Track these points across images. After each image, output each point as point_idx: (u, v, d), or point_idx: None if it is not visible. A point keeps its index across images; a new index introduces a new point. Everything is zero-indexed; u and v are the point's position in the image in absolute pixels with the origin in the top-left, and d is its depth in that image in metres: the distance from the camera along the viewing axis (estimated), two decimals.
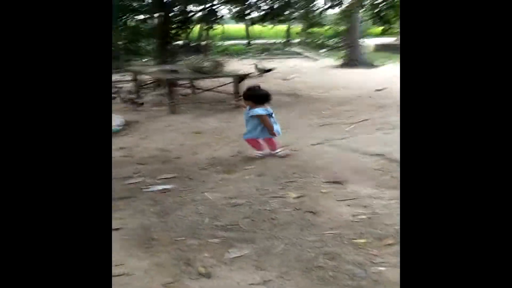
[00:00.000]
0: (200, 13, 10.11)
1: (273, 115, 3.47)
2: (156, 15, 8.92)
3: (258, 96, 3.47)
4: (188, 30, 11.13)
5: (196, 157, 3.54)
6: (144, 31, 10.90)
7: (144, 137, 4.15)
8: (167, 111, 5.36)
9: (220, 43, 18.77)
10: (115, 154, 3.58)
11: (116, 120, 4.48)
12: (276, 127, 3.46)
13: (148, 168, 3.22)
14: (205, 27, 13.08)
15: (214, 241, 2.14)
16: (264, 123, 3.38)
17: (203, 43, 17.01)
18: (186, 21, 9.95)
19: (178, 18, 9.66)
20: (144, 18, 10.68)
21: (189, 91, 6.87)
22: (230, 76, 6.04)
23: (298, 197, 2.67)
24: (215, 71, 5.78)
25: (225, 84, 6.29)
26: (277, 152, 3.50)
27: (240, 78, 5.86)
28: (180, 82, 6.34)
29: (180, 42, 11.24)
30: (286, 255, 2.00)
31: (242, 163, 3.36)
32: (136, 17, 10.70)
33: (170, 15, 8.88)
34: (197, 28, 15.00)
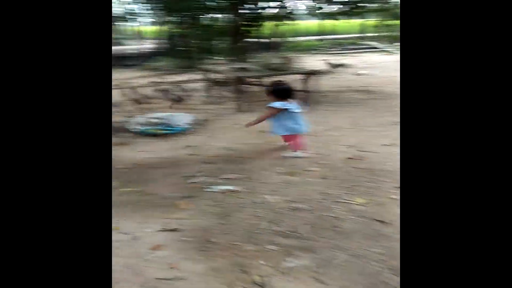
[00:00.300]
0: (272, 10, 10.12)
1: (294, 111, 3.40)
2: (228, 12, 9.01)
3: (277, 91, 3.46)
4: (260, 27, 11.16)
5: (259, 157, 3.47)
6: (217, 29, 11.14)
7: (211, 136, 4.19)
8: (234, 110, 5.37)
9: (292, 39, 18.65)
10: (182, 152, 3.64)
11: (185, 119, 4.57)
12: (292, 125, 3.40)
13: (211, 167, 3.22)
14: (277, 24, 13.11)
15: (272, 248, 2.05)
16: (263, 115, 3.50)
17: (275, 39, 17.10)
18: (258, 18, 9.98)
19: (250, 15, 9.74)
20: (217, 16, 10.94)
21: (258, 88, 6.86)
22: (299, 72, 5.91)
23: (365, 203, 2.49)
24: (284, 67, 5.70)
25: (295, 81, 6.15)
26: (291, 152, 3.47)
27: (309, 74, 5.71)
28: (250, 80, 6.34)
29: (252, 39, 11.27)
30: (348, 267, 1.86)
31: (306, 165, 3.23)
32: (209, 15, 11.00)
33: (242, 12, 8.93)
34: (269, 24, 15.17)
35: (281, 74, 5.83)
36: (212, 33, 11.18)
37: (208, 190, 2.77)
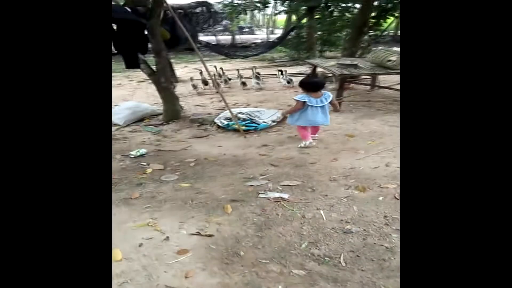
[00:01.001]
0: None
1: (314, 104, 3.59)
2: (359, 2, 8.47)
3: (306, 84, 3.74)
4: (389, 20, 10.34)
5: (333, 164, 3.16)
6: (343, 21, 10.67)
7: (292, 136, 3.98)
8: (330, 109, 5.03)
9: None
10: (255, 151, 3.53)
11: (273, 115, 4.44)
12: (310, 118, 3.61)
13: (277, 171, 3.04)
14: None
15: (298, 273, 1.81)
16: (293, 107, 3.70)
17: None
18: (389, 9, 9.24)
19: (382, 5, 9.07)
20: (347, 7, 10.47)
21: (367, 87, 6.36)
22: None
23: None
24: (400, 66, 5.09)
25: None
26: (310, 139, 3.67)
27: None
28: (356, 78, 5.89)
29: (377, 32, 10.52)
30: None
31: (383, 179, 2.82)
32: (339, 5, 10.60)
33: (373, 3, 8.31)
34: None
35: (395, 73, 5.21)
36: (338, 25, 10.77)
37: (262, 195, 2.60)
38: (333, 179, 2.86)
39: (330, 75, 5.98)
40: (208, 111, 5.14)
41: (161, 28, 4.48)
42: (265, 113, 4.48)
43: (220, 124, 4.24)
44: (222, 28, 23.48)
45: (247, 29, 25.59)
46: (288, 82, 6.81)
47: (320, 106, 3.64)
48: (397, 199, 2.51)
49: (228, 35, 20.26)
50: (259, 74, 7.05)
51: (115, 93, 6.45)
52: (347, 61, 5.61)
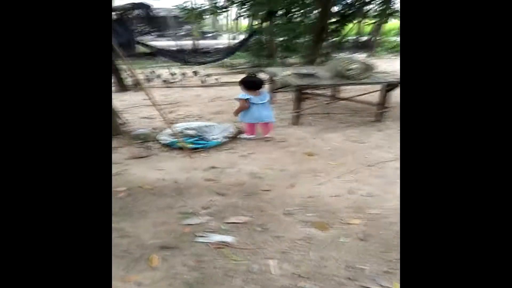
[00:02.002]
0: (370, 6, 9.08)
1: (256, 102, 3.87)
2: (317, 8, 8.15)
3: (246, 83, 3.94)
4: (349, 25, 10.14)
5: (289, 192, 2.72)
6: (302, 27, 10.35)
7: (245, 155, 3.52)
8: (289, 122, 4.63)
9: (394, 38, 17.10)
10: (200, 175, 3.04)
11: (225, 130, 3.97)
12: (264, 113, 3.91)
13: (224, 202, 2.56)
14: (376, 22, 11.96)
15: None
16: (239, 106, 3.95)
17: (369, 38, 15.77)
18: (350, 15, 9.02)
19: (341, 11, 8.83)
20: (305, 12, 10.15)
21: (326, 99, 6.00)
22: (378, 83, 4.84)
23: None
24: (361, 76, 4.70)
25: (371, 92, 5.13)
26: (266, 136, 3.99)
27: (390, 86, 4.66)
28: (316, 88, 5.51)
29: (337, 39, 10.31)
30: None
31: (345, 212, 2.41)
32: (297, 12, 10.31)
33: (332, 8, 8.02)
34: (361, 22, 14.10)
35: (356, 84, 4.85)
36: (297, 31, 10.45)
37: (200, 239, 2.12)
38: (288, 212, 2.42)
39: (284, 85, 5.60)
40: (156, 124, 4.59)
41: None
42: (216, 128, 4.00)
43: (163, 142, 3.71)
44: (184, 33, 22.89)
45: (210, 34, 25.06)
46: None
47: (262, 103, 3.91)
48: (362, 240, 2.10)
49: (190, 40, 19.69)
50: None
51: None
52: (305, 70, 5.23)
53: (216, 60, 9.75)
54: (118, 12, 4.87)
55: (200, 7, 12.82)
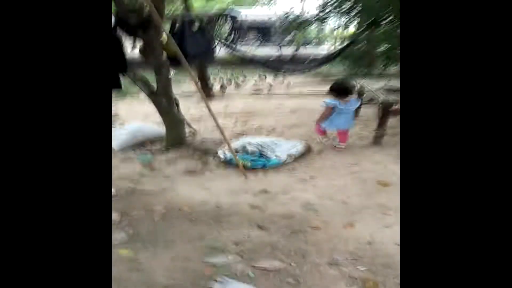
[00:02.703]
0: None
1: (342, 108, 3.75)
2: None
3: (335, 89, 3.84)
4: None
5: (345, 233, 2.22)
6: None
7: (306, 178, 3.07)
8: (370, 142, 4.04)
9: None
10: (248, 200, 2.69)
11: (291, 148, 3.56)
12: (340, 121, 3.81)
13: (262, 239, 2.18)
14: None
15: None
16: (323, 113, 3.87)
17: None
18: None
19: None
20: None
21: None
22: None
23: None
24: None
25: None
26: (339, 145, 3.87)
27: None
28: None
29: None
30: None
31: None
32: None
33: None
34: None
35: None
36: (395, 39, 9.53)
37: (215, 286, 1.76)
38: (336, 262, 1.94)
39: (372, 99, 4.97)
40: (226, 135, 4.37)
41: (171, 41, 3.82)
42: (282, 145, 3.61)
43: (222, 157, 3.45)
44: (288, 41, 22.89)
45: (314, 42, 24.69)
46: None
47: (348, 111, 3.80)
48: None
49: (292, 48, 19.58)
50: None
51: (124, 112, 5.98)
52: (398, 84, 4.56)
53: (311, 69, 9.31)
54: (199, 21, 4.77)
55: (302, 16, 12.57)
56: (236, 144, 3.57)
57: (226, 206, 2.61)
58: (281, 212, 2.51)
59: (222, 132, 3.26)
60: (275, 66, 8.76)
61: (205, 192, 2.85)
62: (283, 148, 3.55)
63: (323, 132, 3.98)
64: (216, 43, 5.26)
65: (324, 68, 11.11)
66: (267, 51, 19.14)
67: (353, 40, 10.43)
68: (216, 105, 6.34)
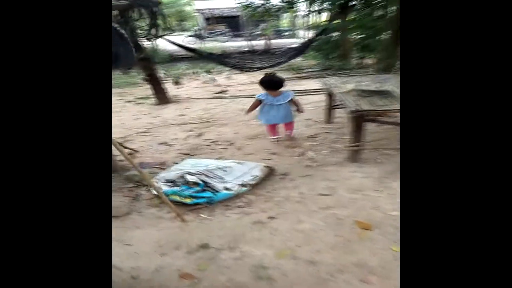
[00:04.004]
0: None
1: (273, 103, 3.77)
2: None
3: (264, 82, 3.82)
4: None
5: None
6: (383, 22, 8.72)
7: (263, 220, 2.33)
8: (346, 157, 3.34)
9: None
10: (178, 263, 1.92)
11: (251, 171, 2.82)
12: (279, 115, 3.78)
13: None
14: None
15: None
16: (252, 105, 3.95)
17: None
18: None
19: None
20: (387, 2, 8.54)
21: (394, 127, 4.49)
22: None
23: None
24: None
25: None
26: (288, 134, 3.96)
27: None
28: (384, 111, 4.07)
29: None
30: None
31: None
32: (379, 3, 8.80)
33: None
34: None
35: None
36: (379, 25, 8.79)
37: None
38: None
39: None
40: (169, 156, 3.59)
41: None
42: (235, 170, 2.86)
43: (155, 192, 2.67)
44: (259, 32, 22.01)
45: (287, 33, 23.87)
46: None
47: (277, 105, 3.76)
48: None
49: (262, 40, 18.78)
50: None
51: None
52: (373, 84, 3.79)
53: (276, 64, 8.54)
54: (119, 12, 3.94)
55: (265, 4, 11.77)
56: (172, 174, 2.79)
57: (145, 275, 1.85)
58: (220, 283, 1.76)
59: (137, 169, 2.48)
60: (233, 62, 7.92)
61: (123, 251, 2.07)
62: (236, 173, 2.80)
63: (274, 132, 3.97)
64: (131, 41, 4.37)
65: (295, 63, 10.38)
66: (238, 45, 18.35)
67: (324, 29, 9.64)
68: (171, 112, 5.54)
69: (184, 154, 3.58)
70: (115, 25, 3.05)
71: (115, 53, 2.89)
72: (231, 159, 3.20)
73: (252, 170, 2.87)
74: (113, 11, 3.91)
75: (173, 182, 2.68)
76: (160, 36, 5.15)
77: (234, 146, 3.80)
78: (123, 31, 2.99)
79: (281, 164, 3.24)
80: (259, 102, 3.85)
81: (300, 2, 11.45)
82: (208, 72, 8.92)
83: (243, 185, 2.71)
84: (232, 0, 13.14)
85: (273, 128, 3.94)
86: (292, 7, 11.70)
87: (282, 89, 3.83)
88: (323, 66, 10.09)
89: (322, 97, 4.92)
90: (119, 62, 2.97)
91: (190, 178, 2.65)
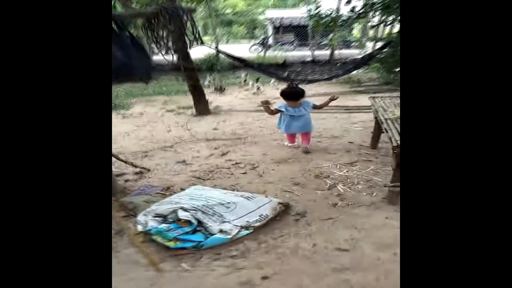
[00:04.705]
0: None
1: (296, 114, 3.81)
2: None
3: (285, 93, 3.92)
4: None
5: None
6: None
7: (255, 280, 1.83)
8: (384, 196, 2.72)
9: None
10: None
11: (252, 211, 2.34)
12: (298, 125, 3.83)
13: None
14: None
15: None
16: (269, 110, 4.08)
17: None
18: None
19: None
20: None
21: None
22: None
23: None
24: None
25: None
26: (305, 146, 3.85)
27: None
28: None
29: None
30: None
31: None
32: None
33: None
34: None
35: None
36: None
37: None
38: None
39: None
40: (180, 179, 3.20)
41: None
42: (241, 206, 2.39)
43: (140, 228, 2.28)
44: (325, 42, 21.34)
45: (354, 44, 22.94)
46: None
47: (298, 116, 3.82)
48: None
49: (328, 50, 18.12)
50: None
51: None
52: None
53: (333, 77, 7.91)
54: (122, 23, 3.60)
55: (331, 14, 11.20)
56: (164, 207, 2.38)
57: None
58: None
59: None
60: (282, 74, 7.39)
61: None
62: (241, 212, 2.33)
63: (293, 140, 4.03)
64: (150, 53, 4.00)
65: (355, 75, 9.66)
66: (302, 54, 17.86)
67: (390, 40, 8.82)
68: (206, 125, 5.20)
69: (196, 178, 3.17)
70: (127, 34, 2.75)
71: (130, 64, 2.60)
72: (241, 191, 2.72)
73: (261, 208, 2.38)
74: (139, 19, 3.64)
75: (163, 218, 2.27)
76: (200, 44, 4.84)
77: (256, 171, 3.32)
78: (139, 42, 2.70)
79: (302, 199, 2.71)
80: (277, 111, 3.97)
81: (369, 12, 10.71)
82: (257, 81, 8.51)
83: (246, 227, 2.23)
84: (304, 9, 12.78)
85: (292, 136, 4.01)
86: (360, 17, 10.98)
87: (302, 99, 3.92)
88: (384, 81, 9.26)
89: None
90: (134, 73, 2.67)
91: (182, 215, 2.22)
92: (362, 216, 2.46)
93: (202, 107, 5.92)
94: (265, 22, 25.50)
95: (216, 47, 6.57)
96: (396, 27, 11.34)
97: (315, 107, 3.98)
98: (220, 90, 8.46)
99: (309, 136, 3.93)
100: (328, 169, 3.30)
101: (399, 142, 2.35)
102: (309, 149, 3.81)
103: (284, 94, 3.91)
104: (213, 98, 7.04)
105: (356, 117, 5.23)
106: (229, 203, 2.38)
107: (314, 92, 7.57)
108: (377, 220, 2.38)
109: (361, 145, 3.98)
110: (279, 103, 4.02)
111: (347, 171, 3.24)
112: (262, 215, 2.34)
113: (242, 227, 2.22)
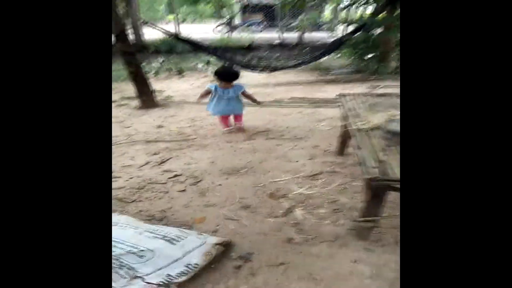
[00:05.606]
0: None
1: (225, 95, 3.82)
2: None
3: (219, 74, 3.91)
4: None
5: None
6: None
7: None
8: (351, 227, 2.17)
9: None
10: None
11: (176, 260, 1.73)
12: (228, 107, 3.89)
13: None
14: None
15: None
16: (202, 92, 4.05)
17: None
18: None
19: None
20: None
21: None
22: None
23: None
24: None
25: None
26: (238, 126, 4.00)
27: None
28: None
29: None
30: None
31: None
32: None
33: None
34: None
35: None
36: None
37: None
38: None
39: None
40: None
41: None
42: (161, 254, 1.77)
43: None
44: (295, 24, 20.63)
45: (325, 26, 22.36)
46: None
47: (227, 97, 3.83)
48: None
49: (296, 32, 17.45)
50: None
51: None
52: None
53: (300, 63, 7.31)
54: None
55: None
56: None
57: None
58: None
59: None
60: (238, 58, 6.73)
61: None
62: (160, 262, 1.72)
63: (227, 123, 4.00)
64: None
65: (324, 61, 9.09)
66: (270, 36, 17.15)
67: (365, 23, 8.21)
68: (150, 121, 4.51)
69: (118, 200, 2.52)
70: None
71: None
72: (165, 227, 2.08)
73: (189, 255, 1.77)
74: None
75: None
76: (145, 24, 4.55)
77: (197, 187, 2.70)
78: None
79: (249, 231, 2.12)
80: (208, 92, 3.93)
81: None
82: (207, 63, 7.79)
83: (165, 284, 1.62)
84: None
85: (225, 119, 3.99)
86: None
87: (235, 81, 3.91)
88: (356, 68, 8.74)
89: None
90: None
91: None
92: (323, 258, 1.90)
93: (146, 99, 5.18)
94: (233, 0, 24.50)
95: (162, 28, 5.80)
96: (369, 9, 10.82)
97: (244, 94, 3.99)
98: (179, 73, 7.72)
99: (240, 117, 4.03)
100: (286, 185, 2.72)
101: (372, 173, 1.74)
102: (243, 126, 3.99)
103: (217, 73, 3.91)
104: (166, 86, 6.31)
105: (323, 113, 4.66)
106: (143, 250, 1.76)
107: (278, 81, 6.95)
108: (342, 266, 1.83)
109: (326, 150, 3.42)
110: (210, 84, 4.05)
111: (308, 188, 2.67)
112: (189, 265, 1.73)
113: (160, 285, 1.62)
